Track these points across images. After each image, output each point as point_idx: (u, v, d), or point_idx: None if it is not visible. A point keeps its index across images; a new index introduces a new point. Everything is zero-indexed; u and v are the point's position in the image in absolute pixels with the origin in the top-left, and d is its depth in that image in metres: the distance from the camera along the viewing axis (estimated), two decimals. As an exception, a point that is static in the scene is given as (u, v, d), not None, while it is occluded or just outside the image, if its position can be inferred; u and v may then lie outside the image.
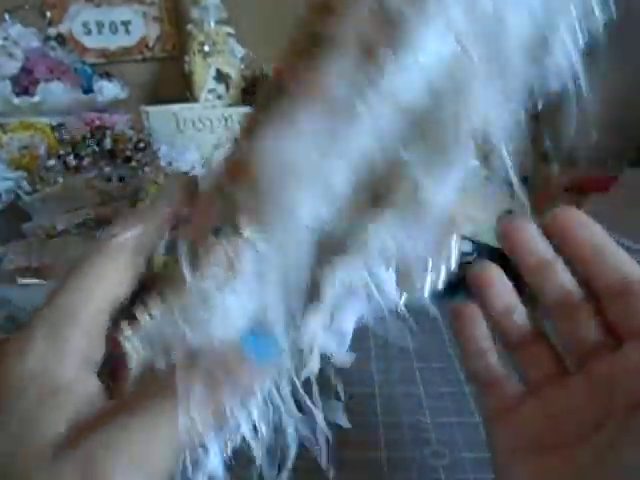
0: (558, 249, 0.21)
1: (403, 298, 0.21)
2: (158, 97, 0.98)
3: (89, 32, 1.01)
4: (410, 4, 0.17)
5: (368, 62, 0.17)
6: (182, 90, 0.90)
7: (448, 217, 0.20)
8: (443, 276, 0.21)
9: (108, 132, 0.73)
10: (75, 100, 0.77)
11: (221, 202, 0.20)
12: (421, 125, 0.18)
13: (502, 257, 0.22)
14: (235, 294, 0.19)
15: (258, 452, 0.20)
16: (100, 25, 1.01)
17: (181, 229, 0.22)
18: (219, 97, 0.86)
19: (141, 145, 0.74)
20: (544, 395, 0.21)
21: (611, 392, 0.19)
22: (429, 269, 0.21)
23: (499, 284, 0.22)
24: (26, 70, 0.75)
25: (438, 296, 0.21)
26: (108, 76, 0.87)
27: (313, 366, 0.21)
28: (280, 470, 0.21)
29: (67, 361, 0.18)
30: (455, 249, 0.21)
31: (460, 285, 0.22)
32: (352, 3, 0.18)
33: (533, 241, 0.21)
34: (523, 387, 0.22)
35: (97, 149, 0.70)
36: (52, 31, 0.91)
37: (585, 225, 0.20)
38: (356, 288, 0.20)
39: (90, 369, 0.19)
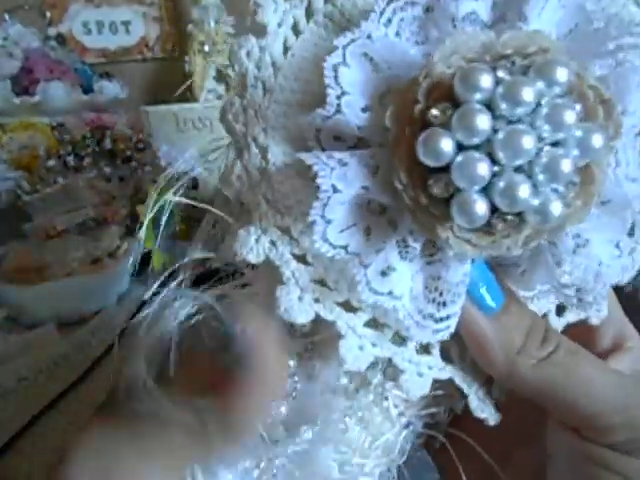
0: None
1: None
2: (158, 97, 0.98)
3: (89, 32, 1.01)
4: None
5: None
6: (182, 90, 0.90)
7: None
8: None
9: (108, 132, 0.73)
10: (75, 100, 0.77)
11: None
12: None
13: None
14: None
15: None
16: (100, 25, 1.01)
17: None
18: (219, 97, 0.86)
19: (141, 145, 0.74)
20: None
21: None
22: None
23: None
24: (26, 70, 0.75)
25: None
26: (108, 76, 0.87)
27: None
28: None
29: None
30: None
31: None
32: None
33: None
34: None
35: (97, 149, 0.70)
36: (52, 31, 0.91)
37: None
38: None
39: None
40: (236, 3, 0.90)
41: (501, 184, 0.14)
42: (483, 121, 0.14)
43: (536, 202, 0.14)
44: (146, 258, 0.66)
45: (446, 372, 0.18)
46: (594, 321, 0.20)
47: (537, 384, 0.18)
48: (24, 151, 0.74)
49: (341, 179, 0.15)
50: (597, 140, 0.14)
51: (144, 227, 0.20)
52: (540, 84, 0.14)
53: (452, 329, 0.17)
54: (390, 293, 0.16)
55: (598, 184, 0.15)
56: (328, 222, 0.15)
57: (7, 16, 0.78)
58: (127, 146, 0.73)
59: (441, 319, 0.16)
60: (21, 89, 0.75)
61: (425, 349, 0.18)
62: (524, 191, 0.14)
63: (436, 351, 0.18)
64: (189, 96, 0.88)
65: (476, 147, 0.14)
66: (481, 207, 0.14)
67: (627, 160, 0.17)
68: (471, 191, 0.14)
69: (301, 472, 0.18)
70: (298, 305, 0.16)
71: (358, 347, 0.17)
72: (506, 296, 0.18)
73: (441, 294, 0.16)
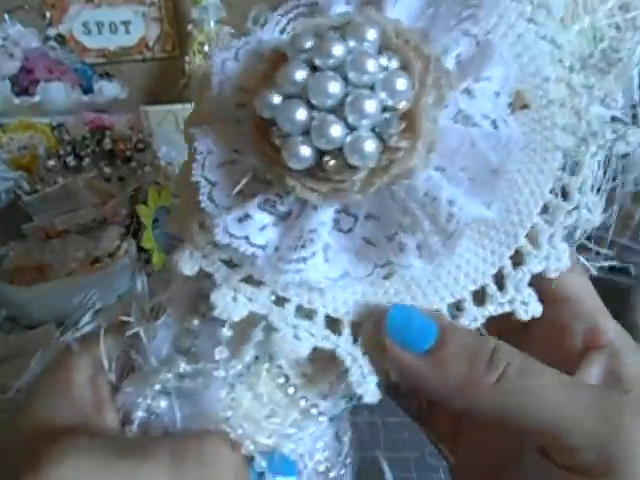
0: None
1: None
2: (158, 97, 0.98)
3: (89, 32, 1.01)
4: None
5: None
6: (182, 90, 0.90)
7: None
8: None
9: (108, 132, 0.73)
10: (75, 100, 0.77)
11: None
12: None
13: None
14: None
15: None
16: (100, 25, 1.01)
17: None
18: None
19: (141, 145, 0.74)
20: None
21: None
22: None
23: None
24: (26, 70, 0.75)
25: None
26: (108, 76, 0.87)
27: None
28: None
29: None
30: None
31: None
32: None
33: None
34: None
35: (97, 149, 0.70)
36: (52, 31, 0.90)
37: None
38: None
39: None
40: (236, 3, 0.90)
41: (315, 124, 0.16)
42: (300, 74, 0.16)
43: (349, 139, 0.16)
44: (146, 258, 0.66)
45: (329, 342, 0.19)
46: (521, 315, 0.19)
47: (494, 411, 0.17)
48: (24, 151, 0.74)
49: (215, 144, 0.18)
50: (401, 84, 0.16)
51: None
52: (352, 42, 0.16)
53: (304, 274, 0.18)
54: (246, 238, 0.18)
55: (426, 132, 0.16)
56: (212, 184, 0.18)
57: (7, 16, 0.78)
58: (127, 146, 0.73)
59: (295, 261, 0.18)
60: (21, 89, 0.75)
61: (307, 314, 0.19)
62: (336, 130, 0.16)
63: (319, 319, 0.19)
64: (189, 96, 0.88)
65: (299, 96, 0.16)
66: (305, 149, 0.16)
67: (508, 128, 0.18)
68: (295, 135, 0.16)
69: (191, 403, 0.20)
70: (189, 261, 0.19)
71: (231, 298, 0.19)
72: (439, 330, 0.18)
73: (297, 240, 0.18)
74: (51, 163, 0.68)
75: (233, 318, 0.19)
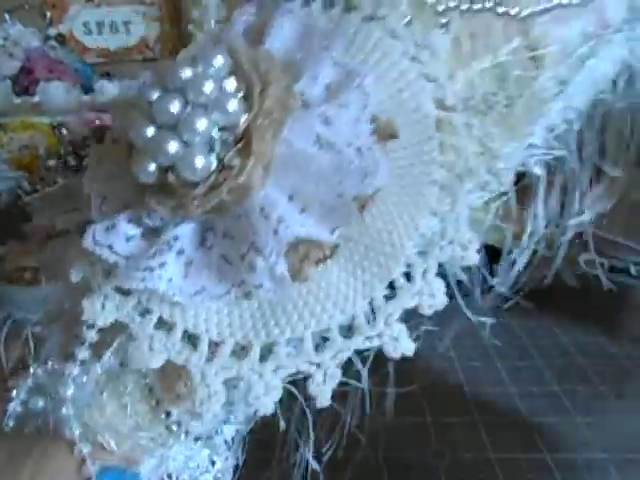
0: None
1: None
2: (158, 97, 0.98)
3: (89, 32, 1.01)
4: None
5: None
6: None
7: None
8: None
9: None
10: (75, 100, 0.77)
11: None
12: None
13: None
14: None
15: None
16: (100, 25, 1.01)
17: None
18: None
19: (141, 145, 0.74)
20: None
21: None
22: None
23: None
24: (26, 70, 0.75)
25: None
26: (108, 76, 0.87)
27: None
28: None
29: None
30: None
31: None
32: None
33: None
34: None
35: (97, 149, 0.70)
36: (52, 31, 0.90)
37: None
38: None
39: None
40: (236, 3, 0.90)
41: (155, 140, 0.17)
42: (154, 94, 0.17)
43: (181, 155, 0.17)
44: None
45: (181, 357, 0.19)
46: (390, 351, 0.19)
47: None
48: (24, 151, 0.74)
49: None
50: (232, 105, 0.17)
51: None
52: (200, 67, 0.17)
53: (150, 283, 0.18)
54: (110, 247, 0.18)
55: (260, 152, 0.17)
56: (103, 197, 0.19)
57: (7, 16, 0.78)
58: (127, 146, 0.73)
59: (142, 269, 0.18)
60: (21, 89, 0.75)
61: (169, 328, 0.19)
62: (172, 146, 0.16)
63: (177, 333, 0.19)
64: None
65: (147, 116, 0.17)
66: (151, 165, 0.17)
67: (373, 155, 0.18)
68: (142, 151, 0.17)
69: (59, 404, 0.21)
70: (76, 269, 0.20)
71: (100, 305, 0.19)
72: None
73: (154, 249, 0.18)
74: (51, 163, 0.68)
75: (98, 323, 0.19)
